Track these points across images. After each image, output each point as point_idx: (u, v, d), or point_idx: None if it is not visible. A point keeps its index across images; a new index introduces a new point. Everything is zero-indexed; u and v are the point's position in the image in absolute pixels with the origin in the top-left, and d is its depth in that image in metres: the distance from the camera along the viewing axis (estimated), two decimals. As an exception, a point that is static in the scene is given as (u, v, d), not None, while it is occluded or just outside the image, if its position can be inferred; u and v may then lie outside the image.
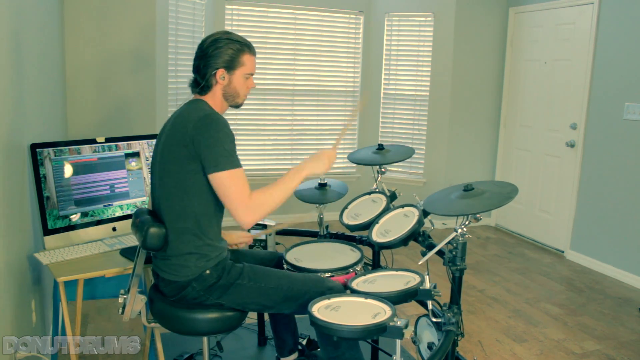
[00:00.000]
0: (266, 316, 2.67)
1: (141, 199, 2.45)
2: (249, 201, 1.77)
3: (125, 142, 2.41)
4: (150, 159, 2.49)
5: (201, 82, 1.91)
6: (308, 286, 1.93)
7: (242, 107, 2.06)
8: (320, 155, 1.97)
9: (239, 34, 1.97)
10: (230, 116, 4.79)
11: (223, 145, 1.78)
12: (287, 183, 1.88)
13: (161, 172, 1.88)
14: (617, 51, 4.04)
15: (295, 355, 2.42)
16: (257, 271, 1.96)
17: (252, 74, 1.98)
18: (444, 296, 1.95)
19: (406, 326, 1.58)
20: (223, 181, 1.77)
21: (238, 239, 2.29)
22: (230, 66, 1.90)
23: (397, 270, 2.06)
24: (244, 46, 1.93)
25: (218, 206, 1.90)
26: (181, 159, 1.81)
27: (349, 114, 2.26)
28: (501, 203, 1.88)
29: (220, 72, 1.89)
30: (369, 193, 2.61)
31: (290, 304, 1.94)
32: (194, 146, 1.78)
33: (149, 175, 2.47)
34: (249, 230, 2.40)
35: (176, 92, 4.36)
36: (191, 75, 1.96)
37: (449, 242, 1.94)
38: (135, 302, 1.90)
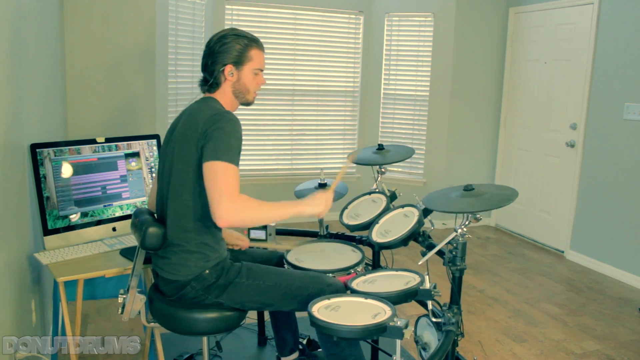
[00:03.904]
0: (266, 316, 2.67)
1: (141, 199, 2.45)
2: (236, 197, 1.66)
3: (125, 142, 2.41)
4: (152, 159, 2.49)
5: (210, 79, 1.90)
6: (307, 283, 1.93)
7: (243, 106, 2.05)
8: (318, 197, 1.87)
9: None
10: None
11: (228, 138, 1.74)
12: (279, 206, 1.78)
13: (170, 171, 1.87)
14: (617, 51, 4.04)
15: (295, 354, 2.42)
16: (255, 269, 1.96)
17: (262, 70, 1.97)
18: (444, 296, 1.95)
19: (406, 326, 1.58)
20: (216, 170, 1.68)
21: (236, 240, 2.23)
22: (238, 61, 1.90)
23: (397, 270, 2.06)
24: (252, 41, 1.92)
25: None
26: (192, 159, 1.79)
27: (345, 161, 2.27)
28: (501, 204, 1.88)
29: (229, 68, 1.89)
30: (369, 193, 2.61)
31: (290, 302, 1.93)
32: (204, 142, 1.75)
33: (149, 175, 2.48)
34: (249, 234, 2.38)
35: (176, 92, 4.35)
36: (194, 75, 1.95)
37: (449, 242, 1.94)
38: (135, 302, 1.90)
